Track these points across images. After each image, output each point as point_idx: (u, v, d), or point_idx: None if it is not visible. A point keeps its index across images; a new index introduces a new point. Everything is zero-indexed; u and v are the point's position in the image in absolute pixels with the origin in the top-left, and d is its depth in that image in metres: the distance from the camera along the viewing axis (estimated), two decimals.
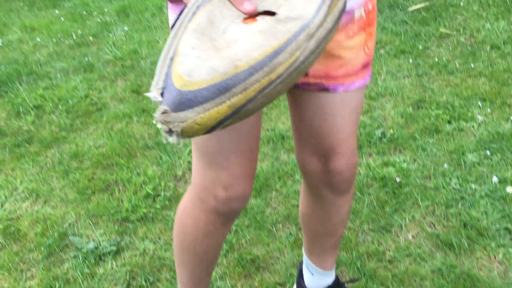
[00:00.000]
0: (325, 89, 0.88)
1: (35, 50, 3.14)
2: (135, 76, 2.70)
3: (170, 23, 0.85)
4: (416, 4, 3.23)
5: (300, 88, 0.90)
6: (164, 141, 0.57)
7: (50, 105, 2.44)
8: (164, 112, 0.55)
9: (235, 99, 0.55)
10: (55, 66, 2.87)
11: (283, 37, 0.57)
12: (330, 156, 0.96)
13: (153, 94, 0.56)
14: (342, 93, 0.89)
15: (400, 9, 3.20)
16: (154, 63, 2.84)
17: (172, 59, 0.58)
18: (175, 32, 0.61)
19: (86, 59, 2.93)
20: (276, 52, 0.56)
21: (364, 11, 0.85)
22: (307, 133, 0.96)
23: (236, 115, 0.56)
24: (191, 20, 0.61)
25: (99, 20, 3.59)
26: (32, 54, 3.06)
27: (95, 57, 2.97)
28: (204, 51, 0.58)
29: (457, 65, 2.46)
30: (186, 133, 0.57)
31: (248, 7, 0.61)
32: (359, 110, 0.95)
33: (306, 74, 0.87)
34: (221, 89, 0.55)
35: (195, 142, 0.89)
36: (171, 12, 0.84)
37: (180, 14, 0.81)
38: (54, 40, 3.26)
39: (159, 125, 0.57)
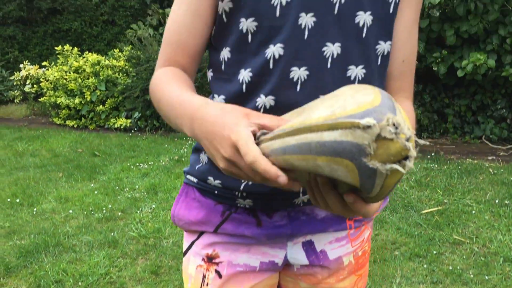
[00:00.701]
0: None
1: (65, 221, 3.32)
2: (156, 256, 2.79)
3: (184, 249, 1.00)
4: (429, 208, 3.39)
5: None
6: (405, 170, 0.56)
7: (71, 280, 2.50)
8: (391, 124, 0.55)
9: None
10: (81, 239, 3.00)
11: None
12: None
13: (366, 119, 0.55)
14: None
15: (414, 211, 3.35)
16: (175, 244, 2.95)
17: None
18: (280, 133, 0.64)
19: (112, 234, 3.06)
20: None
21: (354, 257, 0.98)
22: None
23: None
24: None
25: (129, 196, 3.82)
26: (62, 225, 3.23)
27: (121, 233, 3.11)
28: (328, 102, 0.63)
29: (471, 276, 2.50)
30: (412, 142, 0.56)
31: (282, 180, 0.64)
32: None
33: None
34: (390, 103, 0.58)
35: None
36: (186, 239, 1.00)
37: (192, 243, 0.96)
38: (85, 212, 3.46)
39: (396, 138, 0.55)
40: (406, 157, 0.56)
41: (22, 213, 3.45)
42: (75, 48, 6.60)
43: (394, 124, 0.55)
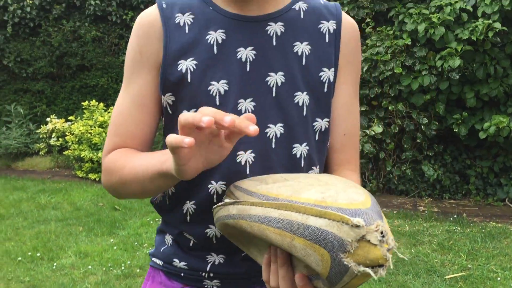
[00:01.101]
0: None
1: (84, 277, 3.31)
2: None
3: None
4: (453, 273, 3.31)
5: None
6: (376, 276, 0.56)
7: None
8: (378, 230, 0.56)
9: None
10: None
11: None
12: None
13: (357, 219, 0.57)
14: None
15: (438, 276, 3.27)
16: None
17: (315, 205, 0.60)
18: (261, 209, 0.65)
19: None
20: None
21: None
22: None
23: None
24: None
25: (148, 252, 3.81)
26: (81, 281, 3.22)
27: None
28: (318, 188, 0.63)
29: None
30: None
31: (186, 140, 0.63)
32: None
33: None
34: (379, 209, 0.60)
35: None
36: None
37: None
38: (104, 268, 3.45)
39: (385, 252, 0.56)
40: (381, 265, 0.57)
41: (42, 268, 3.46)
42: (101, 104, 6.80)
43: (382, 232, 0.57)
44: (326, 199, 0.60)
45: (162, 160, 0.77)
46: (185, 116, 0.63)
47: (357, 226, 0.56)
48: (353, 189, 0.63)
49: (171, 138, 0.64)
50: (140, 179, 0.81)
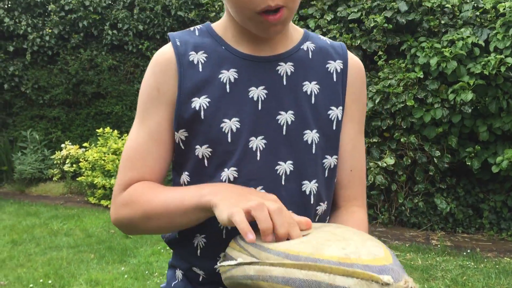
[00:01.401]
0: None
1: None
2: None
3: None
4: None
5: None
6: None
7: None
8: (408, 287, 0.58)
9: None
10: None
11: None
12: None
13: (387, 276, 0.58)
14: None
15: None
16: None
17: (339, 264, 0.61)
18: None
19: None
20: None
21: None
22: None
23: None
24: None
25: (158, 281, 3.80)
26: None
27: None
28: (338, 243, 0.64)
29: None
30: None
31: (250, 237, 0.69)
32: None
33: None
34: (399, 262, 0.61)
35: None
36: None
37: None
38: None
39: None
40: None
41: None
42: (115, 131, 6.89)
43: None
44: (349, 256, 0.61)
45: (201, 193, 0.79)
46: (262, 221, 0.70)
47: (387, 284, 0.57)
48: (370, 242, 0.65)
49: (242, 222, 0.70)
50: (172, 212, 0.82)
